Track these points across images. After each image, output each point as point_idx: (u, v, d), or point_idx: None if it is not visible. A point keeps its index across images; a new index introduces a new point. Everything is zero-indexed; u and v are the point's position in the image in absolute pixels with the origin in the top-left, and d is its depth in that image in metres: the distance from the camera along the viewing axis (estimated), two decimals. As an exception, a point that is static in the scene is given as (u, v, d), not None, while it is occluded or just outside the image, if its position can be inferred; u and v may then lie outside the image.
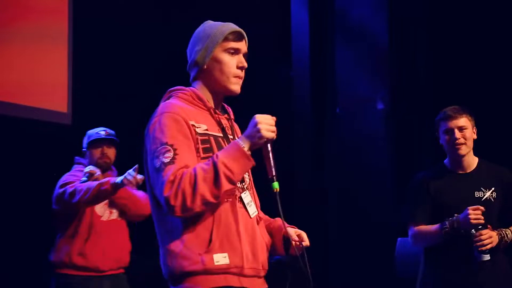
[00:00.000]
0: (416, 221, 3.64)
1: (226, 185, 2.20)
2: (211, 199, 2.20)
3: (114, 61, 5.82)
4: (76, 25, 5.62)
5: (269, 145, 2.27)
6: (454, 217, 3.48)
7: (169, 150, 2.22)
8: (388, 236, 5.48)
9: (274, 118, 2.30)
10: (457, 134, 3.59)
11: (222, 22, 2.46)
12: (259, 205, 2.53)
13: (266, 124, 2.26)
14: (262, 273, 2.39)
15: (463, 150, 3.61)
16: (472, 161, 3.69)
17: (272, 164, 2.27)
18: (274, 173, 2.27)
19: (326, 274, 6.14)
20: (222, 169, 2.19)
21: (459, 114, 3.62)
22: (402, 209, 3.85)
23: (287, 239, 2.45)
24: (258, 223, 2.44)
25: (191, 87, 2.47)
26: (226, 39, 2.42)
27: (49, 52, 5.42)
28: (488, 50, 5.73)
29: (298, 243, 2.42)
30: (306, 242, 2.44)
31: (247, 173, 2.43)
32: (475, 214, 3.41)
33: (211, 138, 2.36)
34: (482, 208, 3.44)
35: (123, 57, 5.91)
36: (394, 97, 5.94)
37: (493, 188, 3.61)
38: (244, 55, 2.46)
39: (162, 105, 2.38)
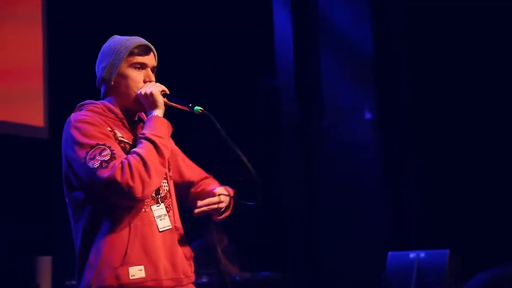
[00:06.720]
0: None
1: (165, 150, 2.31)
2: (163, 168, 2.30)
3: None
4: (51, 29, 5.30)
5: (165, 99, 2.41)
6: None
7: (104, 149, 2.23)
8: (378, 249, 5.31)
9: (147, 78, 2.41)
10: None
11: (128, 36, 2.42)
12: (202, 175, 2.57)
13: (150, 87, 2.37)
14: (186, 281, 2.39)
15: None
16: None
17: (181, 103, 2.41)
18: (189, 104, 2.40)
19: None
20: (154, 138, 2.29)
21: None
22: None
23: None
24: (177, 230, 2.43)
25: (101, 101, 2.45)
26: (131, 53, 2.39)
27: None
28: (472, 55, 5.63)
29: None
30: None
31: (165, 184, 2.41)
32: None
33: (127, 146, 2.35)
34: None
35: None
36: (381, 106, 5.76)
37: None
38: (152, 69, 2.44)
39: (73, 115, 2.34)
